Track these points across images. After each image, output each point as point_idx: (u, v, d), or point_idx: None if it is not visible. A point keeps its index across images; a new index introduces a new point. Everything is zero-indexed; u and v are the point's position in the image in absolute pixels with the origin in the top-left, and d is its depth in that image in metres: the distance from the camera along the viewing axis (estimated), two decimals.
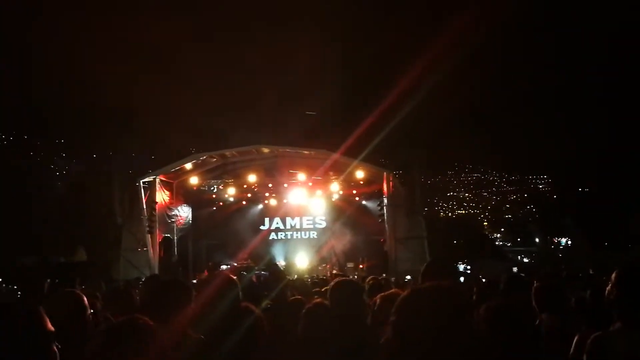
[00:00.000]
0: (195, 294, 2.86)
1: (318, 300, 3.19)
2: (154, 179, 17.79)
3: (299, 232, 22.05)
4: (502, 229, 72.69)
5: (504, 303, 2.45)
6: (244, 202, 21.03)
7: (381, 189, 18.49)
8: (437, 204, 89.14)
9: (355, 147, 18.23)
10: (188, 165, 18.49)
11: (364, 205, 20.55)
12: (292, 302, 3.78)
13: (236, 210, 21.08)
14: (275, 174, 19.65)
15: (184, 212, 19.85)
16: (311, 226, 22.06)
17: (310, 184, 19.69)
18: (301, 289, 6.12)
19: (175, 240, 19.13)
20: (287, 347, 2.87)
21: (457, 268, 19.47)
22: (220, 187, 20.53)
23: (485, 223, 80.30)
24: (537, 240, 55.25)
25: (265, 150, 18.94)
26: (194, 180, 19.03)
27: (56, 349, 1.79)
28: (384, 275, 13.81)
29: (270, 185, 20.33)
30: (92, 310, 3.16)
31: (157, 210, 17.58)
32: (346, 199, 20.49)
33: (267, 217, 21.79)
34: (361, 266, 18.46)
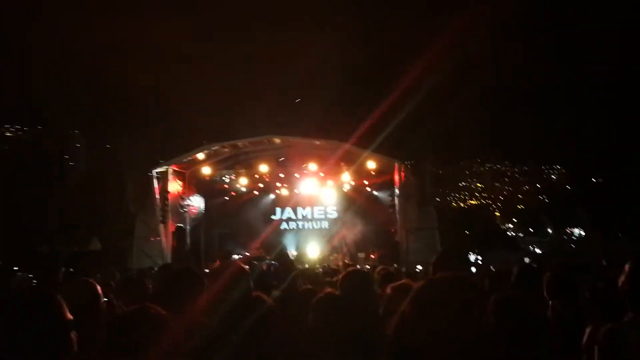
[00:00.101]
0: (207, 284, 2.89)
1: (328, 290, 3.20)
2: (167, 169, 17.95)
3: (310, 222, 22.08)
4: (515, 220, 72.16)
5: (511, 296, 2.42)
6: (255, 192, 21.05)
7: (392, 179, 18.42)
8: (449, 194, 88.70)
9: (366, 137, 18.21)
10: (200, 156, 18.56)
11: (375, 196, 20.45)
12: (303, 292, 3.79)
13: (248, 200, 21.12)
14: (286, 164, 19.69)
15: (197, 202, 19.93)
16: (322, 216, 22.06)
17: (321, 174, 19.68)
18: (312, 278, 6.14)
19: (188, 230, 19.24)
20: (297, 336, 2.89)
21: (469, 259, 19.43)
22: (232, 177, 20.53)
23: (497, 214, 79.72)
24: (549, 230, 54.84)
25: (277, 140, 18.95)
26: (206, 170, 19.11)
27: (74, 337, 1.82)
28: (395, 265, 13.84)
29: (281, 175, 20.32)
30: (105, 299, 3.21)
31: (169, 200, 17.73)
32: (357, 189, 20.41)
33: (278, 207, 21.85)
34: (372, 256, 18.47)
